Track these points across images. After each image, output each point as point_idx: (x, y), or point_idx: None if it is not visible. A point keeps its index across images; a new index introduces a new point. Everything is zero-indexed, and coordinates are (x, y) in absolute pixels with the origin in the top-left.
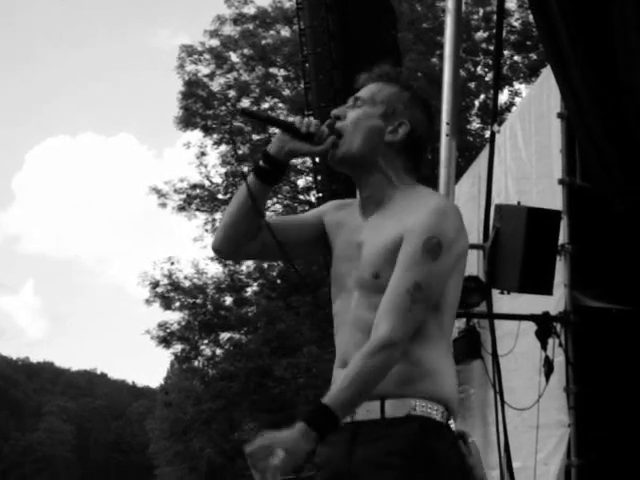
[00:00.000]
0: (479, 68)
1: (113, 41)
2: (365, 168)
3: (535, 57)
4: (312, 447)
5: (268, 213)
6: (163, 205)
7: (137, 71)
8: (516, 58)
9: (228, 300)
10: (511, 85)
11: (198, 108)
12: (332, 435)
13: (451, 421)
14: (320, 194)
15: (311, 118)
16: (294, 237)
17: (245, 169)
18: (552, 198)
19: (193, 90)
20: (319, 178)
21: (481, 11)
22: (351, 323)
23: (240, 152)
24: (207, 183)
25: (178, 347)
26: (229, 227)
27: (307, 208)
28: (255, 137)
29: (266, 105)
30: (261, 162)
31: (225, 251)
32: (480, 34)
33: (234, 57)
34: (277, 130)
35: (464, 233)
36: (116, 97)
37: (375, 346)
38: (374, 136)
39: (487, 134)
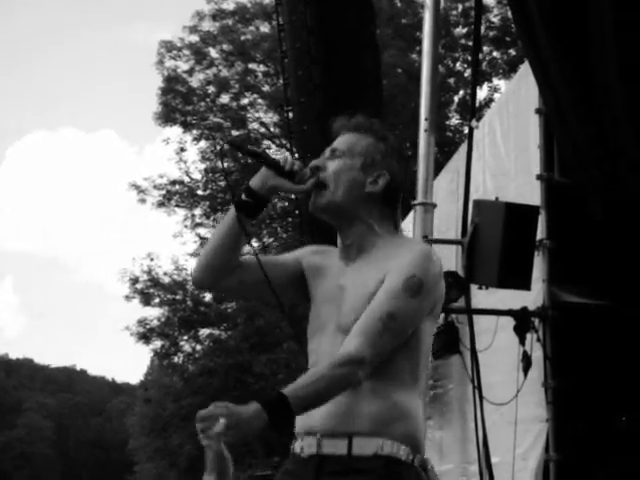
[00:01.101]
0: (458, 64)
1: (92, 35)
2: (347, 218)
3: (514, 53)
4: (260, 428)
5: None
6: (143, 201)
7: (117, 66)
8: (495, 54)
9: (208, 296)
10: (490, 81)
11: (177, 104)
12: (297, 468)
13: (417, 459)
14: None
15: (294, 159)
16: (276, 279)
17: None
18: (530, 194)
19: (172, 86)
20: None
21: (460, 7)
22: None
23: (218, 148)
24: (186, 179)
25: (158, 343)
26: (211, 256)
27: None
28: (234, 133)
29: (245, 101)
30: (243, 196)
31: (205, 280)
32: (459, 30)
33: (213, 53)
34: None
35: (443, 283)
36: (96, 92)
37: (342, 359)
38: (355, 188)
39: (466, 130)
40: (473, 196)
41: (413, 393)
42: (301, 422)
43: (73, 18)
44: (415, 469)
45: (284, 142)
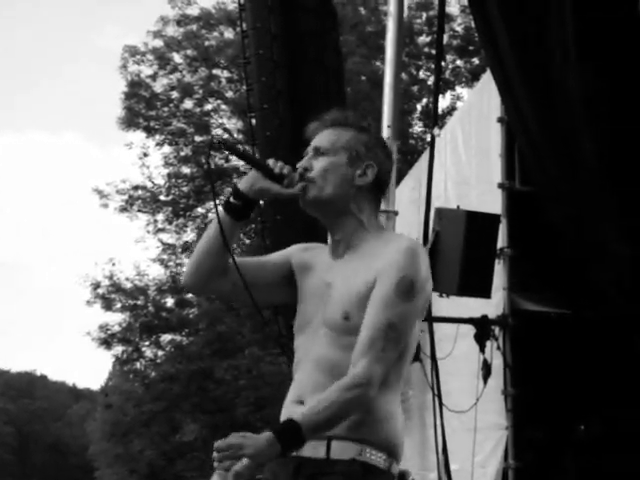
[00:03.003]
0: (421, 72)
1: (60, 37)
2: (337, 213)
3: (477, 62)
4: (274, 458)
5: (212, 215)
6: (105, 206)
7: (83, 70)
8: (458, 62)
9: (169, 302)
10: (453, 89)
11: (141, 109)
12: (278, 468)
13: (393, 466)
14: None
15: (284, 163)
16: (261, 280)
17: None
18: (491, 202)
19: (136, 91)
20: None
21: (424, 15)
22: (313, 361)
23: (182, 154)
24: (149, 184)
25: (119, 349)
26: (198, 261)
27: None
28: (198, 139)
29: (209, 107)
30: (231, 198)
31: (195, 284)
32: (423, 38)
33: (177, 58)
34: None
35: (430, 277)
36: (62, 95)
37: (352, 382)
38: (345, 183)
39: (428, 138)
40: (435, 204)
41: (395, 395)
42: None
43: (41, 19)
44: (391, 476)
45: (247, 148)
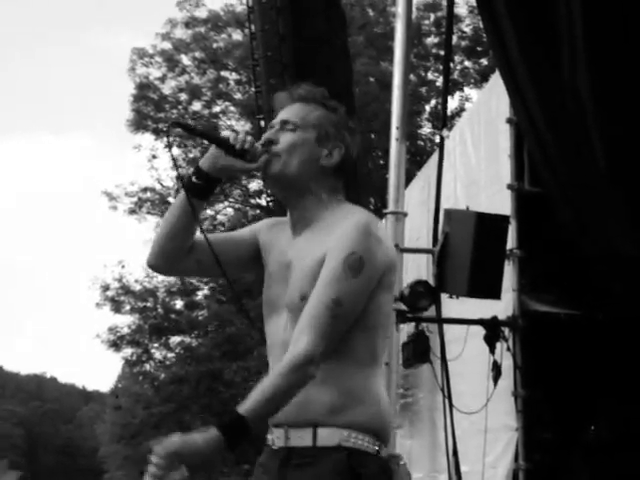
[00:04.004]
0: (430, 73)
1: (73, 42)
2: (298, 191)
3: (486, 63)
4: (219, 453)
5: (220, 217)
6: (114, 208)
7: (93, 72)
8: (467, 63)
9: (179, 304)
10: (462, 90)
11: (149, 111)
12: (268, 460)
13: (382, 449)
14: (271, 197)
15: (245, 135)
16: (230, 254)
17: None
18: (501, 203)
19: (144, 93)
20: None
21: (432, 16)
22: (280, 346)
23: (191, 155)
24: (158, 186)
25: (128, 351)
26: (163, 244)
27: (258, 212)
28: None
29: (217, 109)
30: (194, 178)
31: (161, 266)
32: (431, 39)
33: (186, 60)
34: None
35: (387, 249)
36: (74, 98)
37: (293, 363)
38: (310, 162)
39: (437, 139)
40: (444, 205)
41: (373, 373)
42: None
43: (57, 24)
44: (381, 460)
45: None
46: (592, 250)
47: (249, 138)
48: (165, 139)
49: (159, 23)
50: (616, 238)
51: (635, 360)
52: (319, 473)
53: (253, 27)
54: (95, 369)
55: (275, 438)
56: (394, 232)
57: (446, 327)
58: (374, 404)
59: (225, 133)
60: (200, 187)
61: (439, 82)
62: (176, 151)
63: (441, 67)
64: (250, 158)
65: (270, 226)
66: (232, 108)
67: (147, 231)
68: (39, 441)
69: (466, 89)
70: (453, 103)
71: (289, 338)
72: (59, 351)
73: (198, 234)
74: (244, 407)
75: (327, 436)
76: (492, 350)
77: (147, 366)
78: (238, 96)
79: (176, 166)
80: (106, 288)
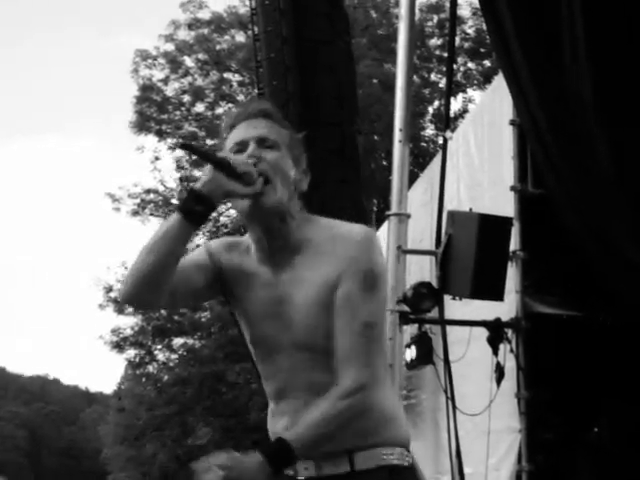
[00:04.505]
0: (433, 75)
1: (76, 44)
2: (282, 217)
3: (489, 64)
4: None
5: (223, 219)
6: (117, 209)
7: (96, 73)
8: (470, 65)
9: None
10: (465, 92)
11: (152, 113)
12: None
13: (410, 459)
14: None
15: (242, 157)
16: (196, 282)
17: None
18: (504, 205)
19: (147, 94)
20: None
21: (435, 18)
22: (304, 388)
23: (194, 157)
24: (161, 188)
25: (131, 352)
26: (154, 272)
27: None
28: (209, 142)
29: (220, 110)
30: (195, 205)
31: (144, 300)
32: (434, 41)
33: (189, 62)
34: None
35: (383, 257)
36: (76, 99)
37: (343, 392)
38: (290, 185)
39: (440, 140)
40: (447, 207)
41: (389, 390)
42: None
43: (65, 27)
44: (413, 470)
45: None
46: (595, 252)
47: (245, 159)
48: (169, 140)
49: (162, 25)
50: (620, 240)
51: (638, 361)
52: None
53: (256, 29)
54: (98, 371)
55: (301, 469)
56: (397, 234)
57: (449, 329)
58: (398, 418)
59: (220, 154)
60: (200, 213)
61: (442, 84)
62: (180, 152)
63: (444, 69)
64: (246, 182)
65: (227, 250)
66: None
67: (150, 233)
68: (42, 443)
69: (469, 91)
70: (456, 105)
71: (317, 379)
72: (62, 353)
73: None
74: (293, 435)
75: (364, 459)
76: (495, 352)
77: (150, 368)
78: (241, 98)
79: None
80: (109, 289)
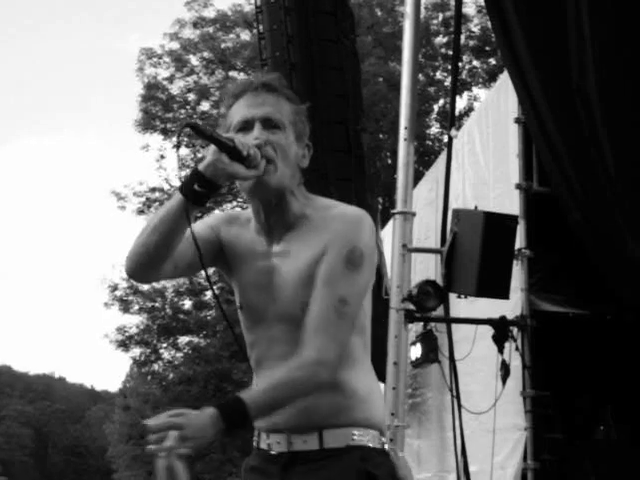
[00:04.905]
0: (438, 73)
1: (81, 42)
2: (282, 194)
3: (494, 62)
4: (216, 437)
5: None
6: (122, 208)
7: (101, 72)
8: (475, 63)
9: (187, 304)
10: (470, 90)
11: (157, 111)
12: (266, 465)
13: (386, 444)
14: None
15: (246, 140)
16: (195, 255)
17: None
18: (509, 203)
19: (152, 93)
20: None
21: (440, 16)
22: (278, 359)
23: (199, 155)
24: (166, 186)
25: (137, 351)
26: (154, 249)
27: None
28: None
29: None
30: (196, 185)
31: (145, 275)
32: (439, 39)
33: (194, 60)
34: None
35: (375, 243)
36: (81, 98)
37: (302, 362)
38: (295, 166)
39: (446, 139)
40: (452, 205)
41: (368, 372)
42: (265, 419)
43: (66, 26)
44: (387, 455)
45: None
46: (600, 250)
47: (250, 143)
48: (174, 138)
49: (167, 23)
50: (625, 238)
51: None
52: (331, 476)
53: (261, 27)
54: (104, 369)
55: (273, 443)
56: (402, 232)
57: (454, 327)
58: (375, 400)
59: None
60: (202, 195)
61: (447, 82)
62: (184, 151)
63: (449, 67)
64: (251, 164)
65: (228, 221)
66: None
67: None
68: (48, 441)
69: (474, 89)
70: (461, 103)
71: (290, 351)
72: (68, 351)
73: None
74: (248, 396)
75: (334, 437)
76: (501, 350)
77: (155, 366)
78: None
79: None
80: (115, 288)
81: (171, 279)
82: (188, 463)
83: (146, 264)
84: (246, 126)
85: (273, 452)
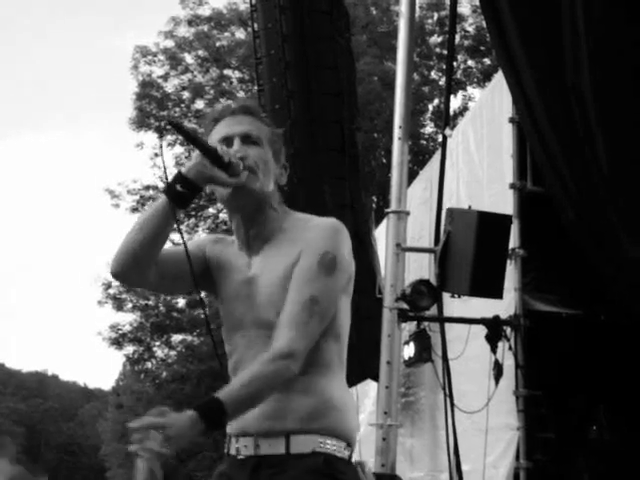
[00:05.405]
0: (433, 72)
1: (75, 40)
2: (262, 207)
3: (489, 62)
4: (196, 437)
5: (223, 215)
6: (116, 206)
7: (96, 70)
8: (470, 63)
9: (180, 302)
10: (465, 90)
11: (152, 109)
12: (233, 470)
13: (352, 455)
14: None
15: (230, 149)
16: (184, 269)
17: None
18: (503, 202)
19: (147, 91)
20: None
21: (435, 16)
22: (252, 361)
23: (194, 154)
24: (160, 184)
25: (130, 349)
26: (139, 249)
27: None
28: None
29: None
30: (179, 186)
31: (129, 275)
32: (434, 38)
33: (189, 58)
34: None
35: (351, 255)
36: (76, 96)
37: (273, 355)
38: (273, 181)
39: (440, 138)
40: (446, 204)
41: (342, 379)
42: (234, 423)
43: (63, 24)
44: (352, 465)
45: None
46: (595, 250)
47: (232, 152)
48: (167, 137)
49: (162, 21)
50: (619, 237)
51: (637, 360)
52: (297, 475)
53: (256, 25)
54: (97, 367)
55: (241, 447)
56: (396, 231)
57: (448, 326)
58: (345, 410)
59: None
60: (185, 196)
61: (442, 81)
62: (179, 149)
63: (444, 66)
64: (231, 172)
65: (214, 241)
66: None
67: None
68: (40, 439)
69: (469, 88)
70: (456, 102)
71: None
72: (61, 349)
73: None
74: (224, 394)
75: (301, 443)
76: (494, 349)
77: (149, 364)
78: (241, 94)
79: (165, 170)
80: (108, 286)
81: (156, 292)
82: (164, 463)
83: (130, 264)
84: (226, 143)
85: (241, 456)
